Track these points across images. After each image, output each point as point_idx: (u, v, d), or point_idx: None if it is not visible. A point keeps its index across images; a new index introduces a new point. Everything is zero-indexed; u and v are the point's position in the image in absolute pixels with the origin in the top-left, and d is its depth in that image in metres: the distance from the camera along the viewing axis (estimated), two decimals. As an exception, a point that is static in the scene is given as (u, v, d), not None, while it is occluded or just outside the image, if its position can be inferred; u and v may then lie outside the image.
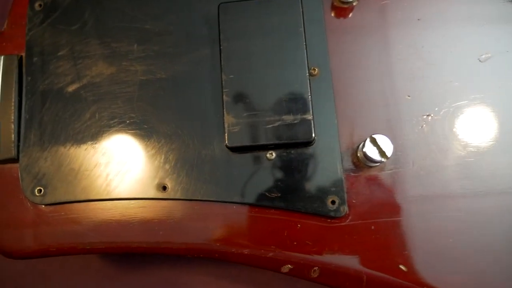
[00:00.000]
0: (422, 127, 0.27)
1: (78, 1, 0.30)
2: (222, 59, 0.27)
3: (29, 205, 0.28)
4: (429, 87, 0.27)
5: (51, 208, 0.28)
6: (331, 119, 0.27)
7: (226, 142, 0.26)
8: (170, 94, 0.28)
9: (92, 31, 0.30)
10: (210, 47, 0.28)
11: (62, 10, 0.30)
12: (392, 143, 0.25)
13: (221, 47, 0.27)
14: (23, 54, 0.30)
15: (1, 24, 0.42)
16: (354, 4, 0.29)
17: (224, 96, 0.27)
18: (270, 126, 0.26)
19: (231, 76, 0.27)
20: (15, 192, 0.28)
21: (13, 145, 0.28)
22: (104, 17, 0.30)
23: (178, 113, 0.28)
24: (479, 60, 0.27)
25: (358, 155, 0.26)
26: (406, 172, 0.26)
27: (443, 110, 0.27)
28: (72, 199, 0.27)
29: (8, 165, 0.29)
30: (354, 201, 0.26)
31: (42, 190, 0.28)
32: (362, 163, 0.26)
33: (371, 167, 0.26)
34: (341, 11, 0.29)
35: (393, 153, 0.25)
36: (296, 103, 0.26)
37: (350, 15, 0.29)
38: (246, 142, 0.26)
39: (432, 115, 0.27)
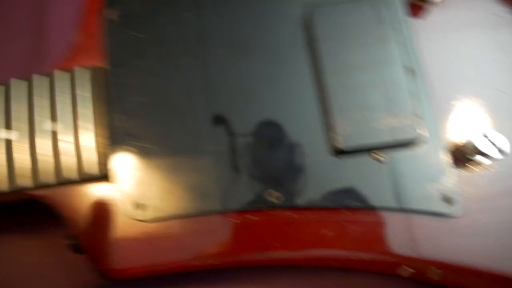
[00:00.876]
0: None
1: (158, 10, 0.29)
2: (320, 63, 0.27)
3: (130, 223, 0.26)
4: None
5: (155, 224, 0.26)
6: (434, 120, 0.27)
7: (340, 145, 0.26)
8: (267, 103, 0.28)
9: (177, 37, 0.29)
10: (307, 51, 0.28)
11: (140, 18, 0.29)
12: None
13: (320, 52, 0.27)
14: (103, 66, 0.28)
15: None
16: (437, 1, 0.29)
17: (330, 99, 0.26)
18: (377, 127, 0.26)
19: (332, 80, 0.27)
20: (113, 211, 0.27)
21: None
22: (190, 24, 0.29)
23: (278, 122, 0.27)
24: None
25: (465, 151, 0.26)
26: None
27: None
28: (178, 214, 0.26)
29: (104, 184, 0.27)
30: (466, 198, 0.26)
31: (144, 207, 0.26)
32: (467, 160, 0.27)
33: (478, 164, 0.27)
34: (425, 10, 0.30)
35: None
36: (399, 103, 0.27)
37: (436, 13, 0.30)
38: (359, 143, 0.26)
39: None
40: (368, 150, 0.26)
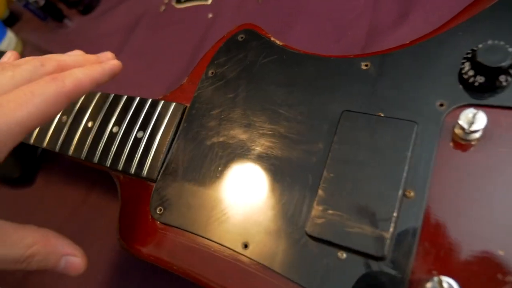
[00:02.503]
0: (505, 288, 0.25)
1: (238, 78, 0.38)
2: (329, 157, 0.31)
3: (150, 217, 0.36)
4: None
5: (164, 226, 0.35)
6: (410, 244, 0.28)
7: (307, 229, 0.30)
8: (278, 172, 0.33)
9: (240, 102, 0.37)
10: (324, 144, 0.33)
11: (225, 80, 0.39)
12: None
13: (332, 147, 0.31)
14: (188, 105, 0.39)
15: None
16: (472, 143, 0.30)
17: (319, 189, 0.30)
18: (348, 230, 0.29)
19: (332, 175, 0.31)
20: (145, 203, 0.37)
21: (157, 170, 0.37)
22: (252, 94, 0.37)
23: (278, 190, 0.32)
24: None
25: (426, 289, 0.26)
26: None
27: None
28: (180, 226, 0.34)
29: (148, 182, 0.38)
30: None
31: (162, 210, 0.35)
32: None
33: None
34: (457, 146, 0.30)
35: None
36: (379, 218, 0.28)
37: (465, 152, 0.30)
38: (323, 236, 0.29)
39: (523, 281, 0.25)
40: (332, 244, 0.29)
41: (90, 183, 0.56)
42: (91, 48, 0.73)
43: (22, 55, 0.78)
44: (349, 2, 0.52)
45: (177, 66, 0.61)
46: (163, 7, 0.68)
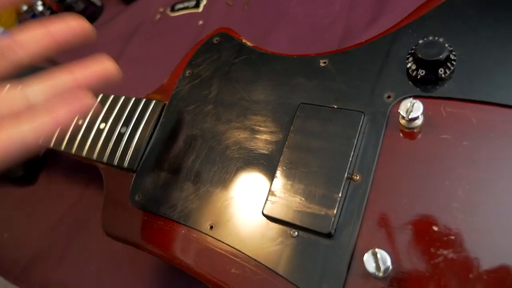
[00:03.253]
0: (437, 263, 0.28)
1: (212, 77, 0.42)
2: (285, 146, 0.34)
3: (129, 204, 0.39)
4: (464, 226, 0.28)
5: (141, 212, 0.39)
6: (354, 223, 0.30)
7: (263, 210, 0.32)
8: (244, 160, 0.36)
9: (213, 98, 0.41)
10: (283, 134, 0.36)
11: (201, 79, 0.42)
12: (396, 263, 0.27)
13: (288, 137, 0.34)
14: (167, 103, 0.43)
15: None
16: (415, 131, 0.32)
17: (275, 174, 0.33)
18: (299, 209, 0.31)
19: (287, 161, 0.33)
20: (125, 191, 0.40)
21: (137, 161, 0.40)
22: (223, 91, 0.40)
23: (243, 177, 0.35)
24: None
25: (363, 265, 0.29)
26: (404, 294, 0.28)
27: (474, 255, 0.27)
28: (156, 211, 0.38)
29: (129, 172, 0.41)
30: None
31: (140, 197, 0.39)
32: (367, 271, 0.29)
33: (377, 278, 0.29)
34: (403, 134, 0.32)
35: (392, 271, 0.27)
36: (326, 199, 0.31)
37: (410, 140, 0.32)
38: (277, 215, 0.32)
39: (451, 253, 0.28)
40: (285, 224, 0.32)
41: (87, 180, 0.60)
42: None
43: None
44: (326, 7, 0.55)
45: (171, 69, 0.65)
46: (158, 16, 0.73)
